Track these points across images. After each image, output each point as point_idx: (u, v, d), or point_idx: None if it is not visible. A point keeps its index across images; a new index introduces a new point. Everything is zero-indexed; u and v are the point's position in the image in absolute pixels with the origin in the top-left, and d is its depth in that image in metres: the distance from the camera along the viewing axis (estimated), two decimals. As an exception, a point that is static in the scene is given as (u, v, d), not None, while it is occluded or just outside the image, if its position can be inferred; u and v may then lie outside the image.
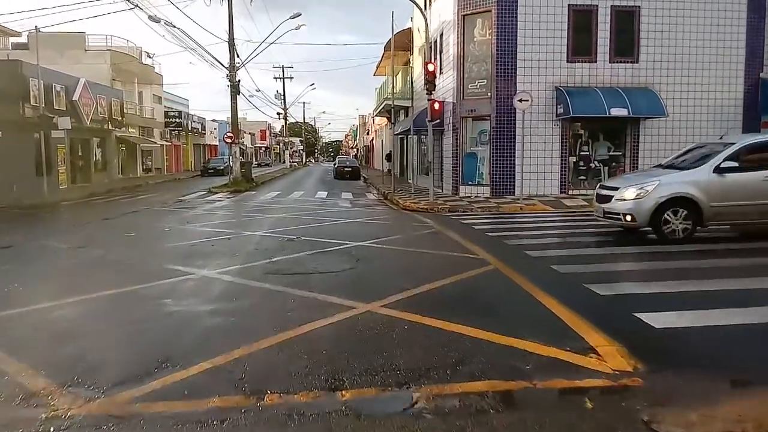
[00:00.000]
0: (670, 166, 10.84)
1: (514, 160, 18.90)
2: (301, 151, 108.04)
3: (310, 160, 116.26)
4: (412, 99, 31.37)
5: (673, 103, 18.99)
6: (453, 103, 20.36)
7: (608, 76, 19.06)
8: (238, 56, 30.67)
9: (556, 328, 5.27)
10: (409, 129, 24.08)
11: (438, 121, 19.45)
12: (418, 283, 6.97)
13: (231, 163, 31.45)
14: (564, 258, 8.64)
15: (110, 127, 34.63)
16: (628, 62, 19.11)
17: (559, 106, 18.62)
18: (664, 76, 19.23)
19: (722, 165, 9.58)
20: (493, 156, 18.99)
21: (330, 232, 12.00)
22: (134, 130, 40.82)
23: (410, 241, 10.71)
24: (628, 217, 9.90)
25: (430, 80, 17.69)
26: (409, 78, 31.97)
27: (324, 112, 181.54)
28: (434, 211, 16.83)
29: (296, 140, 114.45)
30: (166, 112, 48.13)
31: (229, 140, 29.42)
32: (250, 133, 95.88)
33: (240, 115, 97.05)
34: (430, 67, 17.65)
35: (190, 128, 52.58)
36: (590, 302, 6.16)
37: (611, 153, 19.68)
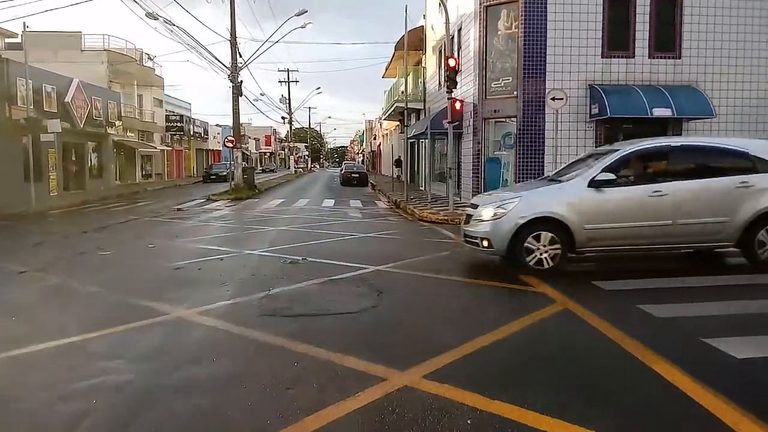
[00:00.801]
0: (553, 179, 8.80)
1: (543, 166, 17.01)
2: (306, 157, 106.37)
3: (315, 166, 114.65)
4: (425, 101, 29.59)
5: (719, 102, 17.08)
6: (473, 103, 18.51)
7: (647, 72, 17.18)
8: (240, 56, 28.98)
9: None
10: (425, 132, 22.23)
11: (457, 123, 17.64)
12: (468, 333, 5.13)
13: (233, 168, 29.69)
14: (654, 294, 6.72)
15: (107, 130, 32.98)
16: (669, 57, 17.22)
17: (593, 106, 16.74)
18: (708, 73, 17.33)
19: (598, 177, 7.66)
20: (519, 161, 17.11)
21: (340, 250, 10.15)
22: (133, 134, 39.15)
23: (439, 264, 8.83)
24: (485, 243, 8.00)
25: (451, 77, 15.87)
26: (421, 79, 30.20)
27: (329, 117, 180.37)
28: (456, 223, 14.93)
29: (301, 146, 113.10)
30: (167, 116, 46.51)
31: (230, 144, 27.65)
32: (254, 139, 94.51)
33: (245, 120, 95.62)
34: (451, 62, 15.83)
35: (192, 133, 50.93)
36: (730, 372, 4.28)
37: (649, 158, 17.75)
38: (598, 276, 7.65)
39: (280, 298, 6.67)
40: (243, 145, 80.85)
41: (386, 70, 38.38)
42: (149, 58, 44.03)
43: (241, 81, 28.57)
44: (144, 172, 42.75)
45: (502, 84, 17.59)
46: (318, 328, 5.47)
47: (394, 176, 33.26)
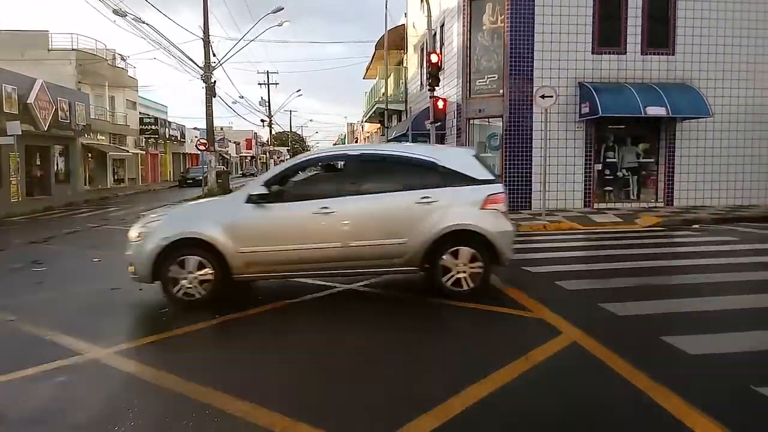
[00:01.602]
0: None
1: (531, 169, 16.04)
2: (282, 161, 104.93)
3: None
4: (406, 102, 28.56)
5: (714, 101, 16.21)
6: (457, 103, 17.49)
7: (639, 70, 16.28)
8: (214, 54, 27.73)
9: None
10: (405, 134, 21.19)
11: (440, 123, 16.61)
12: (462, 380, 4.02)
13: (206, 173, 28.38)
14: (674, 319, 5.67)
15: (74, 133, 31.47)
16: (662, 54, 16.35)
17: (583, 105, 15.80)
18: (704, 71, 16.48)
19: (255, 192, 6.46)
20: (505, 164, 16.11)
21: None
22: (104, 138, 37.63)
23: (398, 283, 7.67)
24: (131, 269, 6.50)
25: (434, 73, 14.83)
26: (402, 80, 29.19)
27: (311, 120, 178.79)
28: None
29: (283, 149, 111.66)
30: (141, 119, 44.94)
31: (202, 147, 26.37)
32: (234, 142, 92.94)
33: (225, 123, 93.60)
34: (434, 58, 14.78)
35: (168, 136, 49.38)
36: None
37: (641, 160, 16.88)
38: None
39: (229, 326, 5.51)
40: (222, 149, 79.59)
41: (367, 70, 37.30)
42: (122, 59, 42.58)
43: (215, 81, 27.31)
44: (116, 177, 41.17)
45: (487, 82, 16.60)
46: (268, 369, 4.33)
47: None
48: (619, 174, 16.85)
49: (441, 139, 19.84)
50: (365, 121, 41.49)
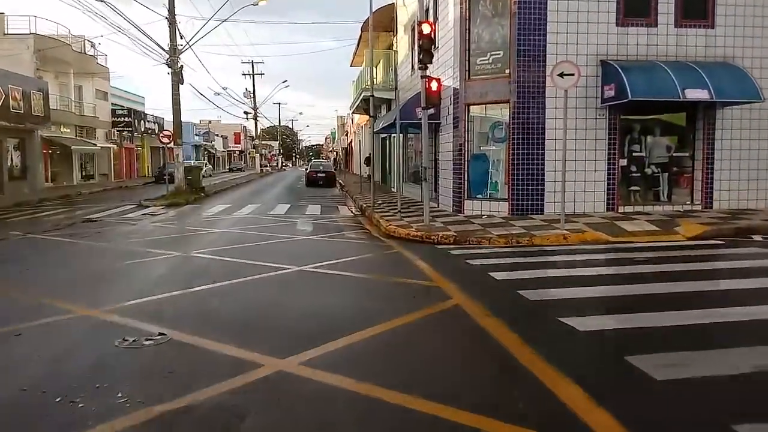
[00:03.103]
0: None
1: (544, 164, 13.31)
2: (277, 155, 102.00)
3: (287, 165, 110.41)
4: (396, 90, 25.75)
5: (762, 84, 13.47)
6: (454, 87, 14.72)
7: (672, 45, 13.55)
8: (182, 37, 24.82)
9: None
10: (394, 123, 18.39)
11: (435, 109, 13.85)
12: None
13: (171, 169, 25.52)
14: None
15: (32, 125, 28.47)
16: (700, 26, 13.62)
17: (606, 87, 13.06)
18: (748, 47, 13.76)
19: None
20: (513, 158, 13.36)
21: (239, 310, 6.23)
22: (69, 130, 34.64)
23: (410, 343, 4.98)
24: None
25: (426, 47, 12.05)
26: (391, 65, 26.35)
27: (301, 113, 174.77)
28: (432, 242, 11.17)
29: (274, 144, 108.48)
30: (113, 110, 41.91)
31: (166, 140, 23.48)
32: (222, 136, 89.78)
33: (213, 117, 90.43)
34: (426, 28, 11.99)
35: (144, 129, 46.31)
36: None
37: (673, 154, 14.16)
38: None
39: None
40: (208, 143, 76.46)
41: (353, 57, 34.44)
42: (92, 46, 39.51)
43: (182, 66, 24.41)
44: (84, 173, 38.19)
45: (491, 60, 13.81)
46: None
47: (365, 176, 29.51)
48: (647, 171, 14.12)
49: (435, 130, 17.08)
50: (353, 113, 38.62)
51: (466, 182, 14.33)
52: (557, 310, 5.68)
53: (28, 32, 30.96)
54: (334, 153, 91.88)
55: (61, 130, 33.55)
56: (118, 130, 42.10)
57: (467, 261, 8.50)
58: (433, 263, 8.41)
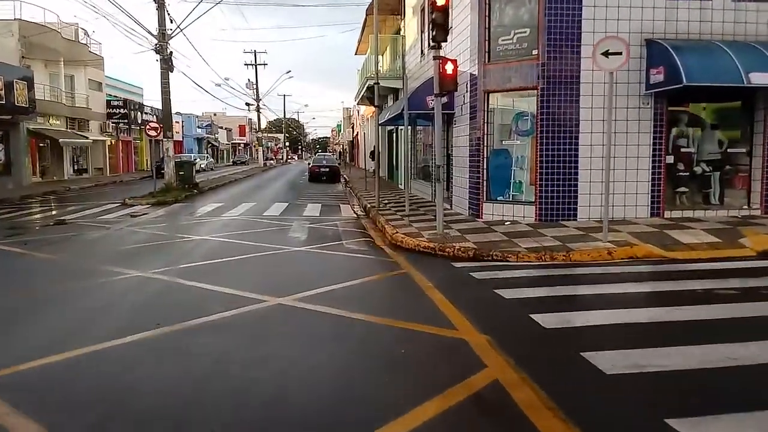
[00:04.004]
0: None
1: (578, 161, 11.36)
2: (281, 148, 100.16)
3: (292, 157, 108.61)
4: (404, 78, 23.68)
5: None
6: (470, 73, 12.76)
7: (730, 23, 11.52)
8: (171, 21, 22.91)
9: None
10: (401, 114, 16.47)
11: (448, 97, 11.92)
12: None
13: (161, 162, 23.67)
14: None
15: (14, 117, 26.69)
16: (762, 0, 11.58)
17: (653, 71, 11.06)
18: (819, 24, 11.72)
19: None
20: (541, 154, 11.40)
21: (177, 391, 4.29)
22: (59, 122, 32.86)
23: None
24: None
25: (439, 21, 10.07)
26: (398, 51, 24.34)
27: (306, 105, 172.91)
28: (447, 256, 9.27)
29: (280, 136, 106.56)
30: (108, 101, 40.11)
31: (154, 133, 21.59)
32: (226, 129, 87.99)
33: (219, 108, 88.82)
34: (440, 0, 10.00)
35: (141, 121, 44.48)
36: None
37: (726, 150, 12.16)
38: None
39: None
40: (211, 135, 74.74)
41: (359, 44, 32.43)
42: (85, 34, 37.68)
43: (171, 52, 22.51)
44: (77, 167, 36.46)
45: (515, 40, 11.82)
46: None
47: (371, 170, 27.63)
48: (696, 169, 12.13)
49: (448, 122, 15.12)
50: (358, 104, 36.63)
51: (484, 182, 12.37)
52: (664, 397, 3.75)
53: (13, 18, 29.11)
54: (340, 146, 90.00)
55: (50, 122, 31.77)
56: (113, 122, 40.32)
57: (496, 291, 6.54)
58: (452, 294, 6.46)
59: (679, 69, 10.21)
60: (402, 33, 24.29)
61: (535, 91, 11.44)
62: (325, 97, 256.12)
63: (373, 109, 35.97)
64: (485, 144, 12.33)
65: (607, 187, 9.43)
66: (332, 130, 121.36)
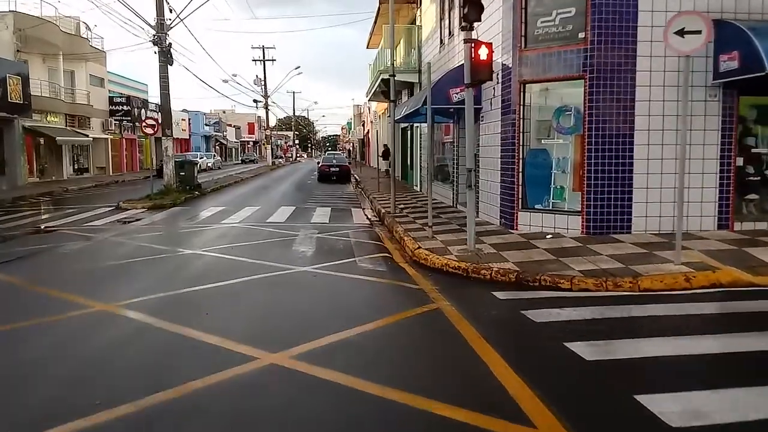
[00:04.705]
0: None
1: (633, 165, 9.65)
2: (291, 146, 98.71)
3: (301, 155, 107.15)
4: (420, 72, 22.10)
5: None
6: (502, 62, 11.06)
7: (813, 0, 9.76)
8: (171, 10, 21.37)
9: None
10: (419, 111, 14.81)
11: (477, 87, 10.26)
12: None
13: (163, 163, 22.14)
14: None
15: (8, 114, 25.27)
16: None
17: (725, 57, 9.31)
18: None
19: None
20: (588, 155, 9.70)
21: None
22: (57, 119, 31.45)
23: None
24: None
25: (473, -3, 8.39)
26: (414, 43, 22.65)
27: (316, 103, 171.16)
28: (483, 279, 7.63)
29: (290, 134, 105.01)
30: (110, 98, 38.70)
31: (151, 131, 20.05)
32: (235, 126, 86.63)
33: (227, 106, 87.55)
34: (473, -31, 8.32)
35: (144, 118, 43.02)
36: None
37: (802, 150, 10.39)
38: None
39: None
40: (219, 133, 73.39)
41: (370, 36, 30.77)
42: (87, 28, 36.32)
43: (170, 44, 20.96)
44: (78, 166, 35.08)
45: (557, 21, 10.10)
46: None
47: (383, 170, 26.05)
48: (768, 173, 10.39)
49: (475, 117, 13.40)
50: (370, 100, 34.94)
51: (519, 187, 10.66)
52: None
53: (7, 10, 27.72)
54: (350, 144, 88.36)
55: (48, 119, 30.37)
56: (116, 120, 38.92)
57: (569, 346, 4.75)
58: (509, 351, 4.65)
59: (760, 54, 8.45)
60: (418, 23, 22.59)
61: (582, 81, 9.72)
62: (334, 94, 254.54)
63: (385, 105, 34.33)
64: (520, 143, 10.62)
65: (681, 195, 7.70)
66: (342, 128, 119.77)
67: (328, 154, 44.88)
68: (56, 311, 6.28)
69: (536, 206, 10.57)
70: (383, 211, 15.13)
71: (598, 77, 9.56)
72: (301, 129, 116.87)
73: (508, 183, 10.84)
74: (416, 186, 23.49)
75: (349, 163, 37.84)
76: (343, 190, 25.47)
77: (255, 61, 54.43)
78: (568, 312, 5.83)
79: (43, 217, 16.12)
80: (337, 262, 8.93)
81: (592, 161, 9.66)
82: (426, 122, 20.11)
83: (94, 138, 34.75)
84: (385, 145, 32.37)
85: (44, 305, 6.62)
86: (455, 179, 15.11)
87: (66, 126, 32.40)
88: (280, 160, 69.26)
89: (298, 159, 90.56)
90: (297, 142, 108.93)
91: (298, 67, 55.65)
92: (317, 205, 18.47)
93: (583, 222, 9.78)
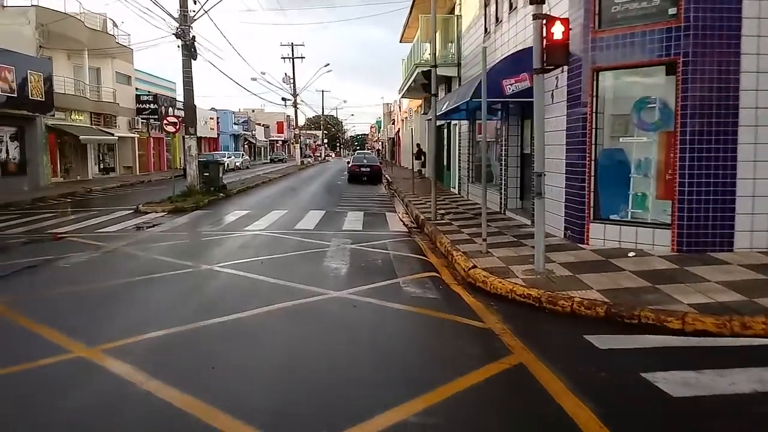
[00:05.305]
0: None
1: (736, 167, 7.93)
2: (319, 145, 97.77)
3: (330, 155, 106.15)
4: (459, 66, 20.48)
5: None
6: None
7: None
8: (195, 2, 20.17)
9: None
10: (465, 106, 13.22)
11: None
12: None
13: (186, 164, 20.93)
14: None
15: (30, 111, 24.43)
16: None
17: None
18: None
19: None
20: (682, 157, 8.01)
21: None
22: (82, 118, 30.65)
23: None
24: None
25: (549, -40, 6.78)
26: (453, 33, 21.03)
27: (345, 102, 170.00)
28: (561, 312, 6.06)
29: (318, 133, 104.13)
30: (137, 96, 37.92)
31: (172, 129, 18.83)
32: (264, 125, 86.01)
33: (257, 105, 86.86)
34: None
35: (165, 115, 42.22)
36: None
37: None
38: None
39: None
40: (248, 132, 72.69)
41: (404, 30, 29.22)
42: (114, 25, 35.58)
43: (194, 37, 19.75)
44: (103, 166, 34.33)
45: (640, -5, 8.43)
46: None
47: (415, 171, 24.51)
48: None
49: (521, 114, 11.79)
50: (403, 97, 33.38)
51: (591, 194, 9.01)
52: None
53: (29, 4, 26.93)
54: (379, 143, 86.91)
55: (72, 117, 29.57)
56: (142, 118, 38.12)
57: None
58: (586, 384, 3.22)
59: None
60: (457, 12, 20.97)
61: (675, 65, 8.02)
62: (363, 93, 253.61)
63: (418, 102, 32.79)
64: (592, 142, 8.97)
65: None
66: (371, 127, 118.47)
67: (358, 153, 43.40)
68: (25, 356, 4.91)
69: (611, 217, 8.90)
70: (422, 217, 13.61)
71: (694, 62, 7.87)
72: (329, 128, 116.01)
73: (576, 189, 9.19)
74: (453, 188, 21.88)
75: (380, 162, 36.35)
76: (375, 192, 24.01)
77: (284, 58, 53.41)
78: (711, 378, 4.18)
79: (57, 221, 14.99)
80: (377, 285, 7.43)
81: (686, 163, 7.97)
82: (466, 119, 18.62)
83: (120, 137, 33.95)
84: (417, 145, 30.88)
85: (13, 346, 5.26)
86: (503, 182, 13.48)
87: (91, 124, 31.62)
88: (309, 159, 68.23)
89: (326, 158, 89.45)
90: (326, 141, 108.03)
91: (328, 64, 54.42)
92: (349, 208, 17.03)
93: (673, 237, 8.08)
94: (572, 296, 6.29)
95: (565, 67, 9.49)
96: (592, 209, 8.98)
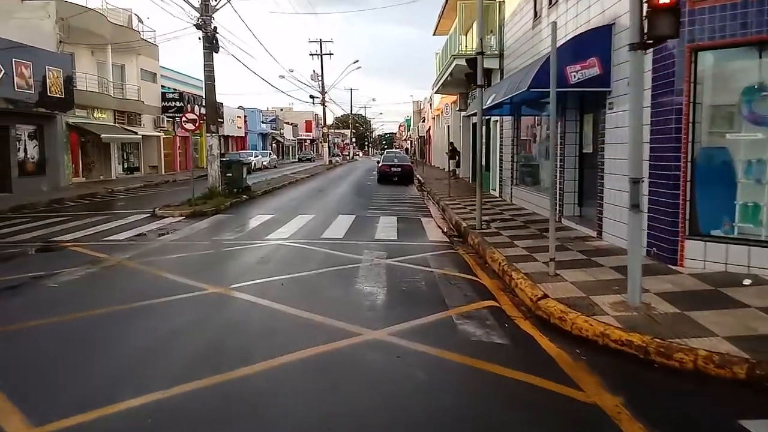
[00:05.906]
0: None
1: None
2: (348, 144, 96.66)
3: (358, 154, 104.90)
4: (501, 57, 18.75)
5: None
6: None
7: None
8: (217, -9, 18.83)
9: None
10: (507, 100, 11.54)
11: (604, 62, 7.03)
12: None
13: (207, 164, 19.61)
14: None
15: (49, 109, 23.50)
16: None
17: None
18: None
19: None
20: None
21: None
22: (105, 116, 29.72)
23: None
24: None
25: None
26: (494, 22, 19.30)
27: (374, 100, 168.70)
28: (677, 365, 4.38)
29: (347, 132, 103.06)
30: (163, 94, 37.00)
31: (191, 126, 17.49)
32: (291, 124, 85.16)
33: (285, 104, 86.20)
34: None
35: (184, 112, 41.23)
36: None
37: None
38: None
39: None
40: (276, 131, 71.77)
41: (439, 20, 27.53)
42: (139, 21, 34.68)
43: (215, 28, 18.43)
44: (127, 165, 33.44)
45: (755, -45, 6.68)
46: None
47: (449, 171, 22.86)
48: None
49: (581, 108, 10.12)
50: (437, 92, 31.66)
51: (686, 204, 7.28)
52: None
53: (51, -2, 26.02)
54: (408, 142, 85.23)
55: (95, 115, 28.65)
56: (168, 117, 37.19)
57: None
58: None
59: None
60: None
61: (803, 42, 6.28)
62: (392, 91, 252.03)
63: (452, 98, 31.07)
64: (689, 139, 7.24)
65: None
66: (400, 126, 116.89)
67: (387, 152, 41.77)
68: None
69: (713, 232, 7.17)
70: (464, 224, 12.02)
71: (833, 35, 6.11)
72: (357, 127, 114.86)
73: (666, 197, 7.47)
74: (493, 190, 20.17)
75: (411, 162, 34.74)
76: (407, 194, 22.47)
77: (312, 55, 52.14)
78: None
79: (67, 226, 13.76)
80: (424, 321, 5.87)
81: (820, 166, 6.21)
82: (509, 115, 16.89)
83: (144, 135, 33.02)
84: (451, 143, 29.20)
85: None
86: (560, 186, 11.75)
87: (115, 123, 30.69)
88: (337, 158, 66.92)
89: (354, 157, 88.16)
90: (354, 140, 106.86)
91: (357, 61, 53.09)
92: (380, 213, 15.51)
93: (801, 259, 6.34)
94: (692, 347, 4.64)
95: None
96: (687, 222, 7.25)
